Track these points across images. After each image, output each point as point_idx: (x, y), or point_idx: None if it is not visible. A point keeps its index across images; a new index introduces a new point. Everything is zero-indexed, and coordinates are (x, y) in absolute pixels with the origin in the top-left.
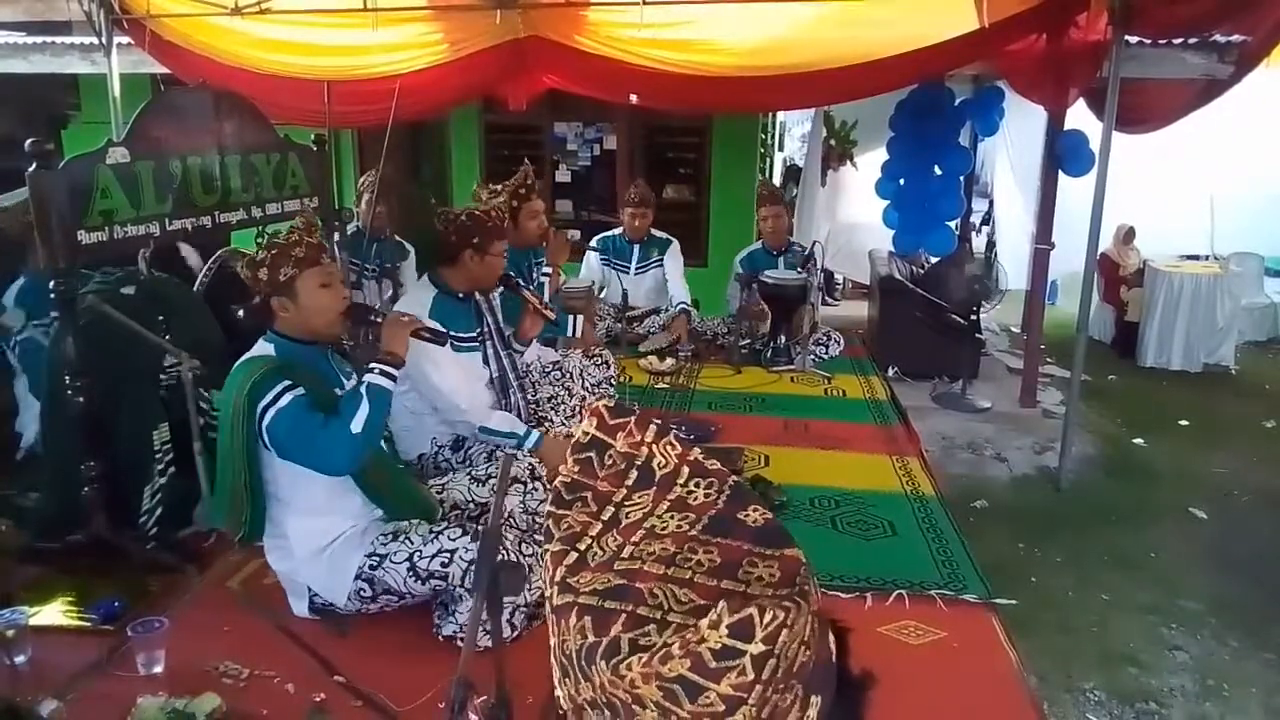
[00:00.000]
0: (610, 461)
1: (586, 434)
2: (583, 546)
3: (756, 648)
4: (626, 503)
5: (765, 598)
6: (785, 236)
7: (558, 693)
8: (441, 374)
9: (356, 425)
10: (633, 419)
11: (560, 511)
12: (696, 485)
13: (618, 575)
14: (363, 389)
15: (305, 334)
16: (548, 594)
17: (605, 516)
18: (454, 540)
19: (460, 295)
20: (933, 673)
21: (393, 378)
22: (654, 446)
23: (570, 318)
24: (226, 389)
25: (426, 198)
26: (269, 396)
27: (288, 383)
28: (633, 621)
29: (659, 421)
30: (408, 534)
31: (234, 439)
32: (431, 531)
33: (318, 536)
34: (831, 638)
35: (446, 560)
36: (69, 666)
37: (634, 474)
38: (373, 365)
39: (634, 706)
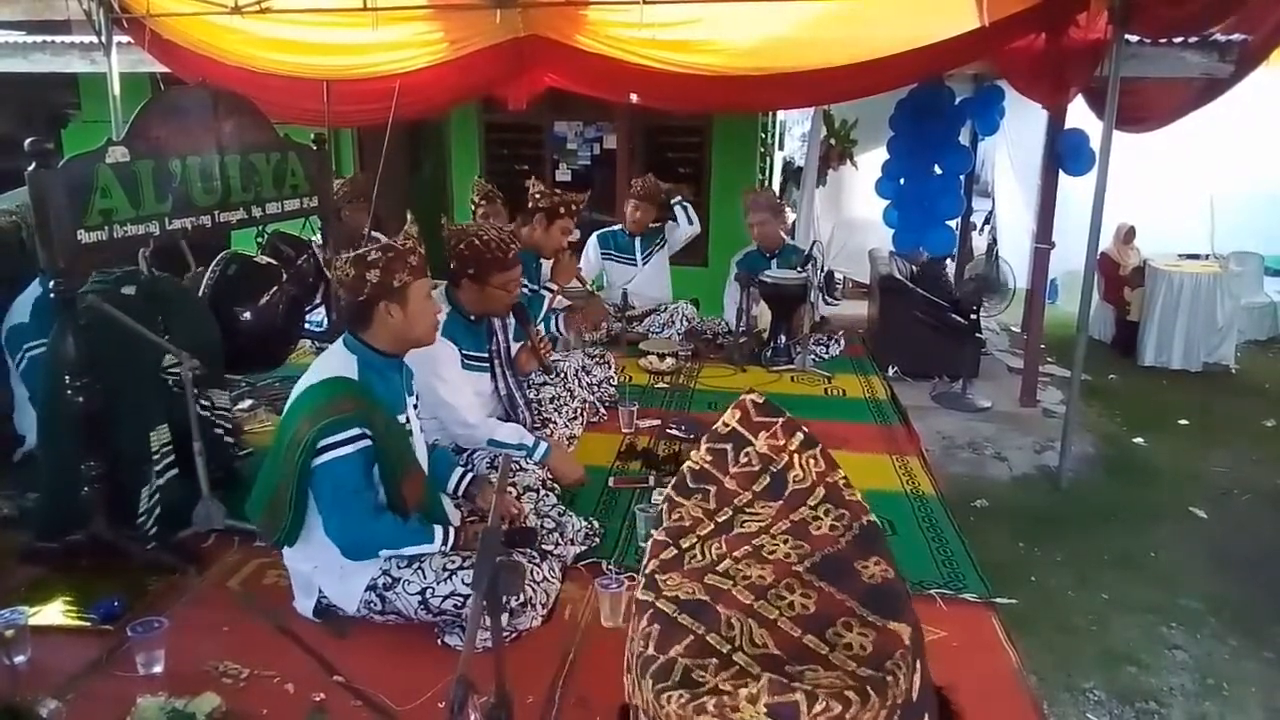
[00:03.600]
0: (745, 459)
1: (727, 425)
2: (685, 544)
3: None
4: (748, 509)
5: (827, 679)
6: (779, 239)
7: (625, 680)
8: (450, 390)
9: (388, 549)
10: (780, 420)
11: (679, 499)
12: (825, 513)
13: (704, 589)
14: (433, 539)
15: (396, 344)
16: (638, 581)
17: (720, 519)
18: (467, 585)
19: (471, 318)
20: (932, 672)
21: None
22: (795, 456)
23: (553, 317)
24: (297, 404)
25: (430, 204)
26: (336, 438)
27: (358, 430)
28: (697, 648)
29: (806, 431)
30: (423, 564)
31: (289, 457)
32: (445, 569)
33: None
34: None
35: (459, 603)
36: (69, 666)
37: (766, 479)
38: (461, 536)
39: None
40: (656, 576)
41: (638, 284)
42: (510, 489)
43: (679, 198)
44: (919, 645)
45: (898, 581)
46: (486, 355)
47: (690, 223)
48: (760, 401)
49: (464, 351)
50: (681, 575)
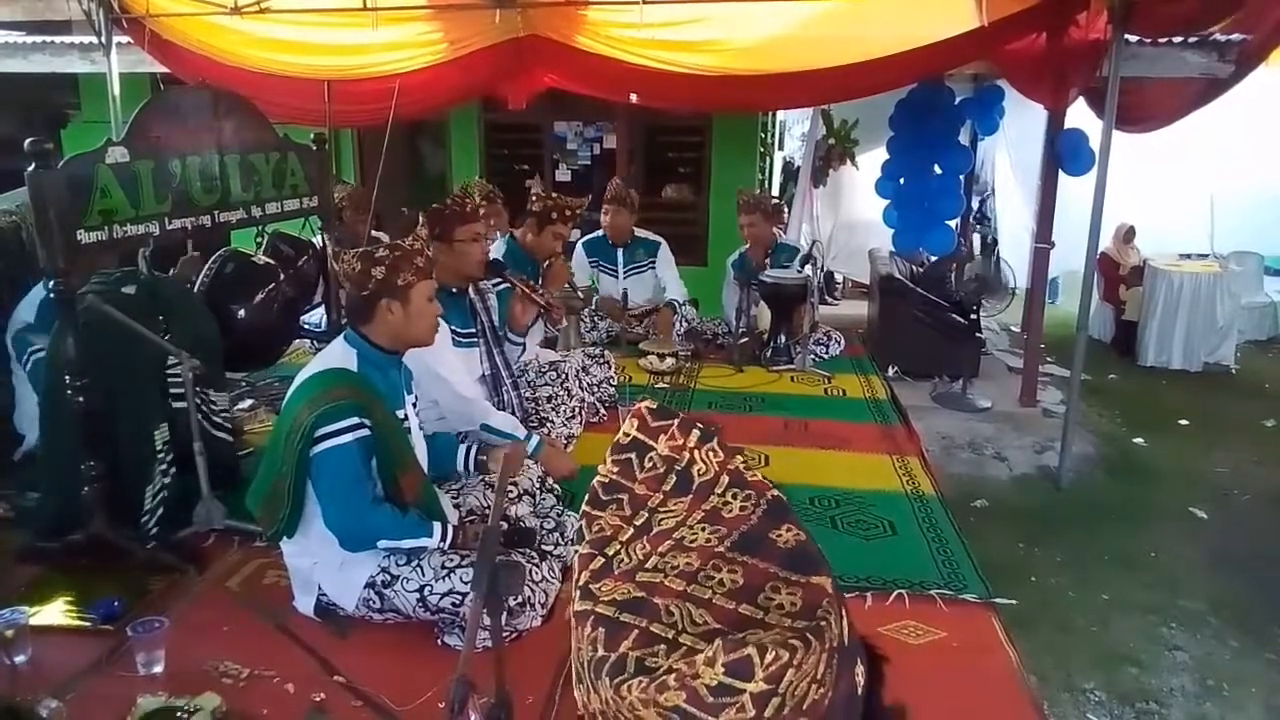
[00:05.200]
0: (650, 464)
1: (628, 435)
2: (610, 552)
3: (757, 686)
4: (661, 509)
5: (771, 635)
6: (770, 240)
7: (575, 694)
8: (446, 366)
9: (386, 542)
10: (675, 422)
11: (595, 512)
12: (734, 496)
13: (638, 587)
14: (432, 534)
15: (395, 341)
16: (572, 596)
17: (638, 522)
18: (465, 583)
19: (454, 290)
20: (933, 673)
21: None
22: (696, 452)
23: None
24: (296, 394)
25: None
26: (333, 426)
27: (356, 419)
28: (644, 639)
29: (702, 426)
30: (422, 562)
31: (289, 446)
32: (444, 567)
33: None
34: (861, 670)
35: (457, 601)
36: (69, 666)
37: (673, 479)
38: (460, 535)
39: None
40: (590, 585)
41: (626, 290)
42: (511, 487)
43: (657, 248)
44: (840, 594)
45: (810, 543)
46: (475, 330)
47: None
48: (654, 407)
49: (453, 328)
50: (614, 580)
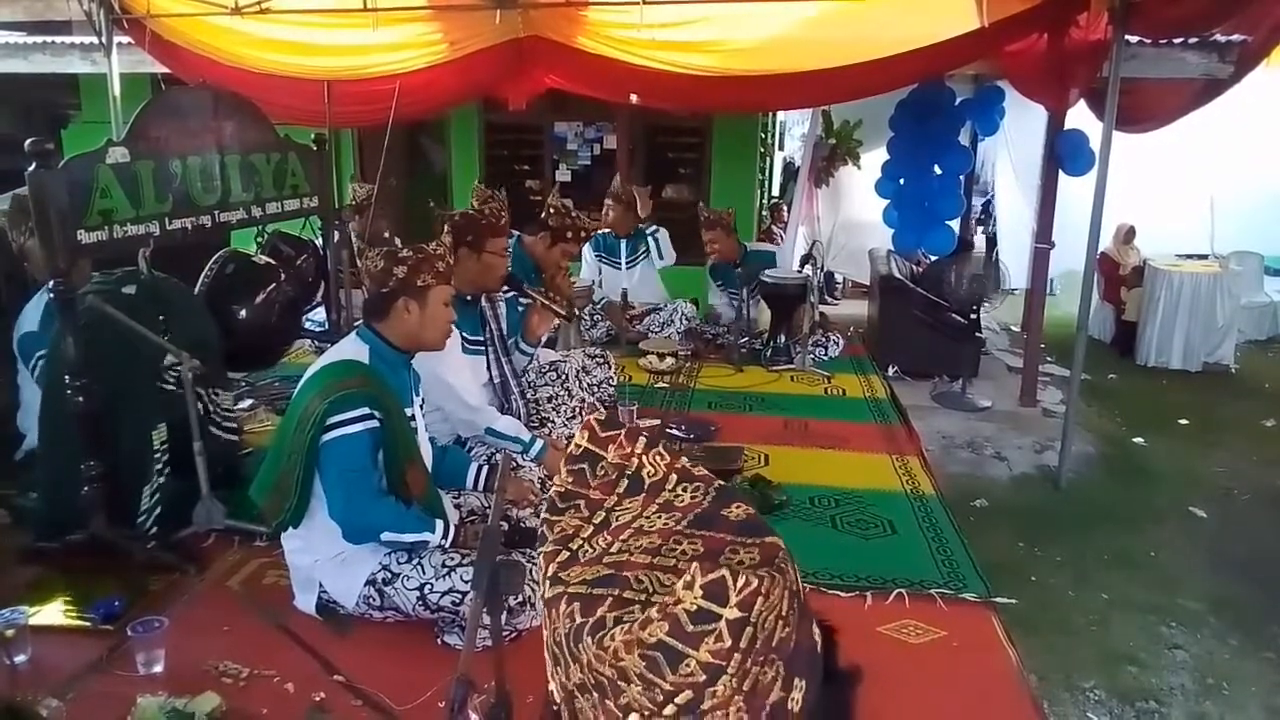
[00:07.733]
0: (602, 472)
1: (579, 446)
2: (574, 546)
3: (732, 613)
4: (617, 508)
5: (740, 567)
6: (735, 252)
7: (550, 686)
8: (453, 373)
9: (389, 534)
10: (623, 431)
11: (554, 518)
12: (684, 489)
13: (606, 567)
14: (434, 530)
15: (407, 341)
16: (540, 591)
17: (596, 520)
18: (466, 582)
19: (467, 298)
20: (933, 672)
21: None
22: (643, 457)
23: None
24: (307, 384)
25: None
26: (344, 415)
27: (367, 410)
28: (619, 604)
29: (648, 433)
30: (423, 559)
31: (299, 435)
32: (445, 566)
33: (341, 540)
34: (817, 632)
35: (457, 600)
36: (69, 666)
37: (624, 483)
38: (461, 534)
39: (619, 682)
40: (559, 574)
41: (629, 288)
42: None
43: (654, 227)
44: (790, 552)
45: (758, 516)
46: (483, 339)
47: (662, 257)
48: (603, 419)
49: (463, 334)
50: (581, 566)
